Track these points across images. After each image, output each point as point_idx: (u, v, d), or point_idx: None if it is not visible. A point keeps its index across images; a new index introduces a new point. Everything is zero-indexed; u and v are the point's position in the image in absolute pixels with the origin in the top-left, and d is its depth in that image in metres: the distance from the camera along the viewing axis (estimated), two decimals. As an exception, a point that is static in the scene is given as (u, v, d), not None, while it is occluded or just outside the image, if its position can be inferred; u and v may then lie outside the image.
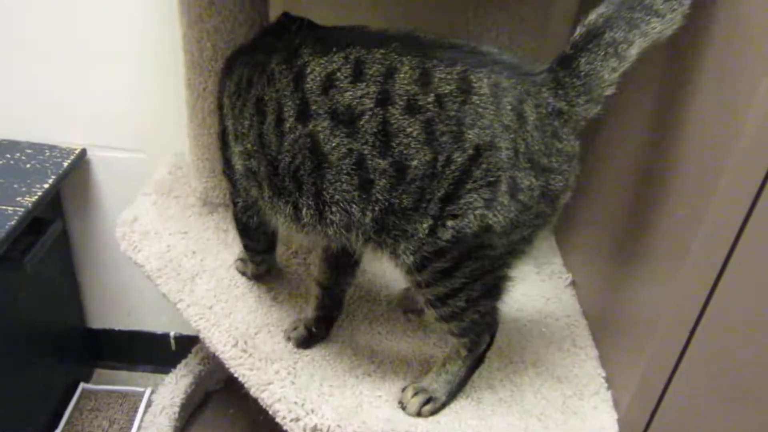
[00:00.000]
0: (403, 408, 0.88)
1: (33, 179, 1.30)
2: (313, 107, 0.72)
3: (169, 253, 1.11)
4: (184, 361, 1.42)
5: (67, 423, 1.55)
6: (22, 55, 1.34)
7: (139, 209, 1.21)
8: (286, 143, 0.75)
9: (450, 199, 0.71)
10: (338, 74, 0.72)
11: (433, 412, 0.88)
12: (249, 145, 0.81)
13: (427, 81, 0.70)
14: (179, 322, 1.73)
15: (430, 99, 0.70)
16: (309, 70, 0.73)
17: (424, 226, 0.73)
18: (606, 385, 0.93)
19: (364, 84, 0.71)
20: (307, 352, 0.95)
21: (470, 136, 0.69)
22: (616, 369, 0.93)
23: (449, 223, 0.72)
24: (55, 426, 1.52)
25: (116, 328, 1.73)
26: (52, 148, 1.42)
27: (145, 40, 1.30)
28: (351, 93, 0.71)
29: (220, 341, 0.97)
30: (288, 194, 0.78)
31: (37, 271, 1.33)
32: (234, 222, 1.00)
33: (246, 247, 1.04)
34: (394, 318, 1.04)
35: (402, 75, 0.70)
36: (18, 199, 1.24)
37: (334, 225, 0.76)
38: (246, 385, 0.92)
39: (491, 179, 0.70)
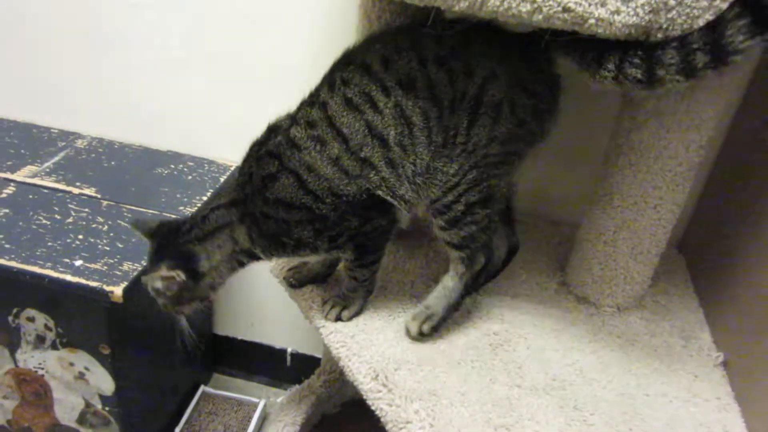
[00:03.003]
0: (408, 332, 1.05)
1: (193, 191, 1.40)
2: (387, 83, 0.90)
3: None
4: (307, 382, 1.45)
5: (187, 422, 1.63)
6: (191, 76, 1.45)
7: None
8: (385, 119, 0.91)
9: (471, 126, 0.91)
10: (387, 55, 0.91)
11: (434, 328, 1.04)
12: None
13: (440, 41, 0.91)
14: (298, 339, 1.79)
15: (447, 49, 0.90)
16: (369, 60, 0.92)
17: (457, 151, 0.93)
18: (763, 480, 0.87)
19: (405, 53, 0.90)
20: (447, 394, 0.95)
21: (477, 70, 0.89)
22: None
23: (472, 141, 0.92)
24: (176, 424, 1.60)
25: (239, 337, 1.81)
26: (210, 162, 1.52)
27: (311, 66, 1.36)
28: (403, 62, 0.90)
29: (360, 372, 0.98)
30: (400, 159, 0.93)
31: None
32: (367, 250, 1.02)
33: (374, 262, 1.05)
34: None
35: (426, 40, 0.91)
36: (180, 208, 1.33)
37: (420, 167, 0.94)
38: (383, 420, 0.93)
39: (496, 102, 0.90)
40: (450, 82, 0.90)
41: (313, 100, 0.95)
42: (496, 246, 1.13)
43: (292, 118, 0.96)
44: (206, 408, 1.69)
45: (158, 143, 1.56)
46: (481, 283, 1.15)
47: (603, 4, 0.74)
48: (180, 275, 0.95)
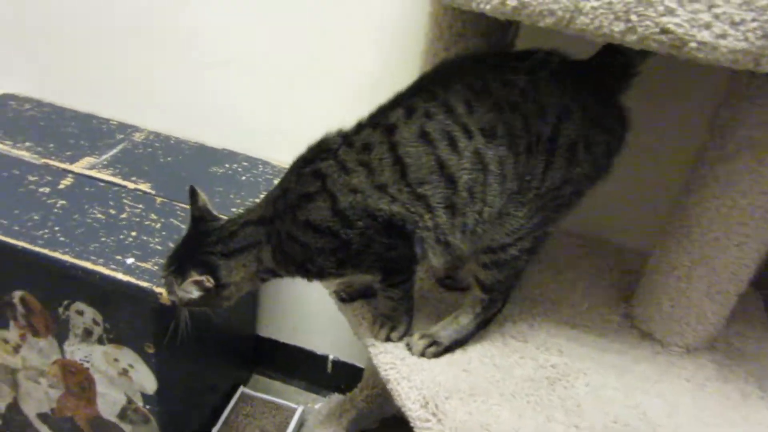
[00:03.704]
0: (409, 349, 1.01)
1: (247, 192, 1.38)
2: (471, 128, 0.85)
3: (367, 293, 1.11)
4: (348, 396, 1.42)
5: (224, 423, 1.61)
6: (250, 74, 1.43)
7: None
8: (462, 161, 0.86)
9: (547, 170, 0.87)
10: (470, 100, 0.86)
11: (436, 355, 1.01)
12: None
13: (509, 83, 0.86)
14: (339, 347, 1.76)
15: (516, 94, 0.86)
16: (453, 102, 0.86)
17: (530, 196, 0.89)
18: None
19: (485, 98, 0.86)
20: (500, 430, 0.90)
21: (549, 110, 0.85)
22: None
23: (545, 185, 0.89)
24: (213, 423, 1.58)
25: (281, 340, 1.79)
26: (265, 163, 1.50)
27: (377, 73, 1.32)
28: (484, 109, 0.85)
29: (408, 397, 0.94)
30: (463, 205, 0.88)
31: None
32: (393, 271, 0.97)
33: (403, 282, 0.99)
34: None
35: (493, 85, 0.87)
36: (233, 210, 1.31)
37: (486, 215, 0.89)
38: (432, 452, 0.89)
39: (571, 142, 0.86)
40: (525, 127, 0.86)
41: (376, 122, 0.89)
42: None
43: (345, 138, 0.91)
44: (244, 410, 1.67)
45: (214, 140, 1.54)
46: None
47: (708, 27, 0.67)
48: (210, 281, 0.92)
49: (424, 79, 0.92)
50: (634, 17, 0.69)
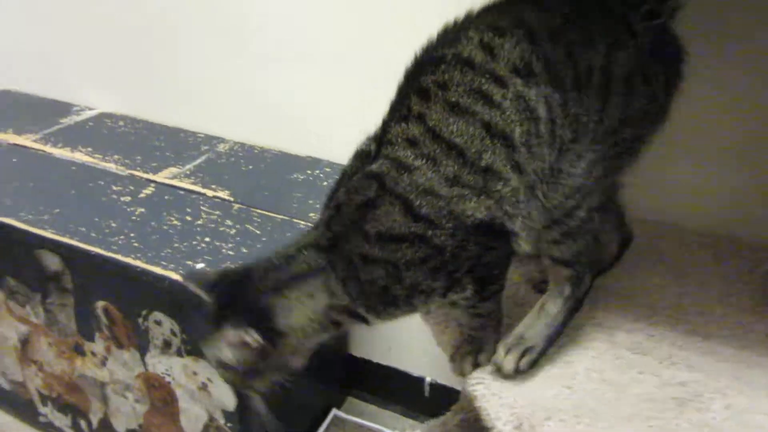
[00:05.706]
0: (499, 370, 0.85)
1: (328, 197, 1.30)
2: (499, 72, 0.74)
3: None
4: (441, 419, 1.27)
5: (314, 447, 1.52)
6: (338, 80, 1.38)
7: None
8: (507, 113, 0.75)
9: (606, 105, 0.77)
10: (488, 41, 0.75)
11: (532, 363, 0.85)
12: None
13: (548, 11, 0.77)
14: (438, 368, 1.62)
15: (559, 20, 0.77)
16: (467, 52, 0.75)
17: (585, 144, 0.78)
18: None
19: (510, 33, 0.75)
20: (611, 461, 0.73)
21: (599, 37, 0.77)
22: None
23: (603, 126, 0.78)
24: (304, 447, 1.50)
25: (375, 360, 1.68)
26: (348, 169, 1.42)
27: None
28: (510, 44, 0.74)
29: (499, 417, 0.79)
30: (525, 163, 0.76)
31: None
32: (487, 281, 0.82)
33: (497, 292, 0.85)
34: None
35: (530, 14, 0.77)
36: (311, 214, 1.24)
37: (541, 172, 0.77)
38: (526, 483, 0.73)
39: (627, 73, 0.77)
40: (568, 56, 0.75)
41: (403, 114, 0.76)
42: (605, 241, 1.00)
43: (379, 140, 0.77)
44: (336, 433, 1.57)
45: (299, 148, 1.50)
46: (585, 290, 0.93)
47: None
48: (252, 335, 0.73)
49: (425, 50, 0.78)
50: None
